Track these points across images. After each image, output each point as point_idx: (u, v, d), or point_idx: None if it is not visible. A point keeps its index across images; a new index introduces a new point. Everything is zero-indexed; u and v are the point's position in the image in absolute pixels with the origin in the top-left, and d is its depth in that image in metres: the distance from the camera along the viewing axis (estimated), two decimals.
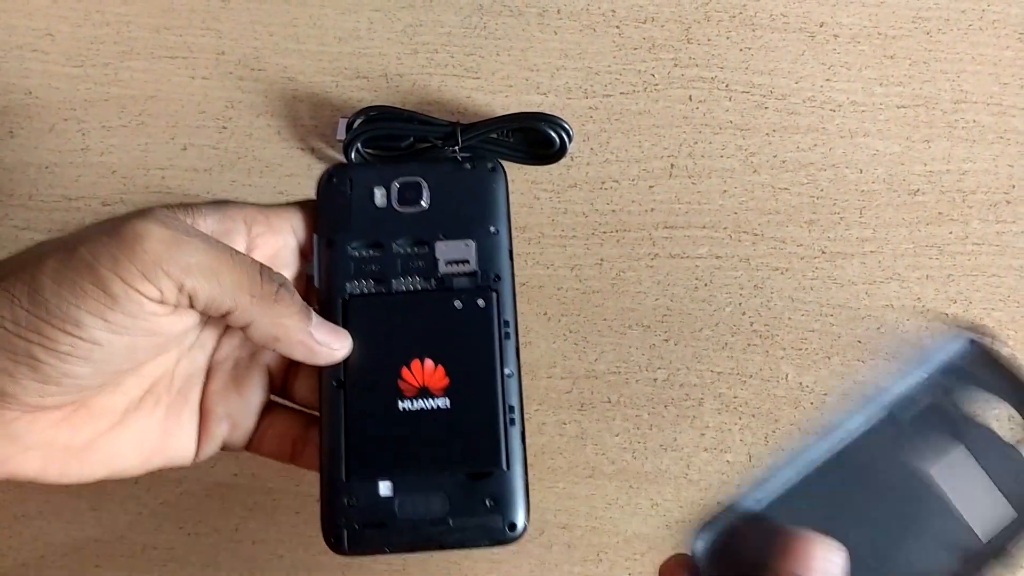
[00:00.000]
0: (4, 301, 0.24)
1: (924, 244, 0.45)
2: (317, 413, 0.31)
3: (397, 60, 0.49)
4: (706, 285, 0.45)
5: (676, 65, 0.48)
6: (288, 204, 0.31)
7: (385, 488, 0.29)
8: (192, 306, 0.26)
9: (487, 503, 0.29)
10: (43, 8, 0.50)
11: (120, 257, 0.24)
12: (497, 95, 0.48)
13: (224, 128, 0.48)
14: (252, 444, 0.31)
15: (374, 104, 0.48)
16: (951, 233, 0.45)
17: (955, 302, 0.44)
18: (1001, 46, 0.47)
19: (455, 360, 0.30)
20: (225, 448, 0.30)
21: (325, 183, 0.32)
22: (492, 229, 0.31)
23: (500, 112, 0.47)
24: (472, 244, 0.31)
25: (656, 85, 0.47)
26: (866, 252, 0.45)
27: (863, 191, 0.45)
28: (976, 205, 0.45)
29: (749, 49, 0.48)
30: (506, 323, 0.31)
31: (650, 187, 0.46)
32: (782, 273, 0.44)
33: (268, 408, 0.31)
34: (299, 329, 0.28)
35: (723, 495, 0.28)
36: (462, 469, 0.29)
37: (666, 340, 0.44)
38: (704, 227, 0.45)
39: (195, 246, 0.25)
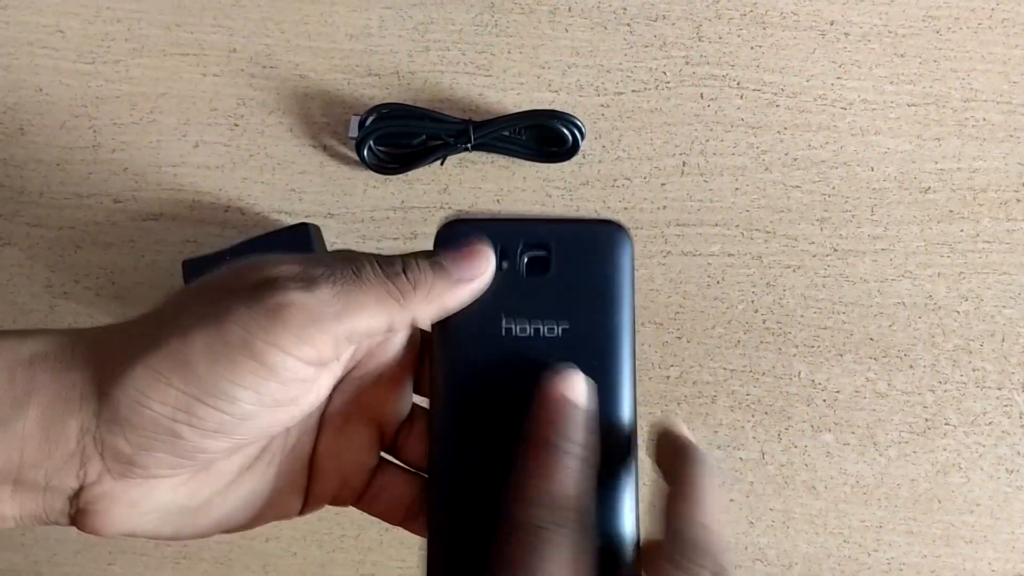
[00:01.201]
0: (153, 381, 0.24)
1: (935, 242, 0.45)
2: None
3: (408, 57, 0.49)
4: (718, 283, 0.45)
5: (687, 63, 0.48)
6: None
7: None
8: (350, 345, 0.26)
9: None
10: (54, 4, 0.50)
11: (271, 327, 0.24)
12: (509, 92, 0.48)
13: (236, 125, 0.48)
14: (362, 501, 0.30)
15: (386, 101, 0.48)
16: (962, 231, 0.45)
17: (966, 299, 0.44)
18: (1011, 45, 0.47)
19: None
20: (333, 503, 0.29)
21: (445, 233, 0.29)
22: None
23: (512, 109, 0.47)
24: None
25: (667, 83, 0.48)
26: (878, 250, 0.45)
27: (874, 189, 0.45)
28: (987, 203, 0.45)
29: (760, 47, 0.48)
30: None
31: (662, 185, 0.46)
32: (794, 271, 0.45)
33: (381, 466, 0.30)
34: (445, 295, 0.27)
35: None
36: None
37: (679, 337, 0.44)
38: (716, 225, 0.45)
39: (342, 297, 0.25)
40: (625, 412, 0.28)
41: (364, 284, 0.26)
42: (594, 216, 0.29)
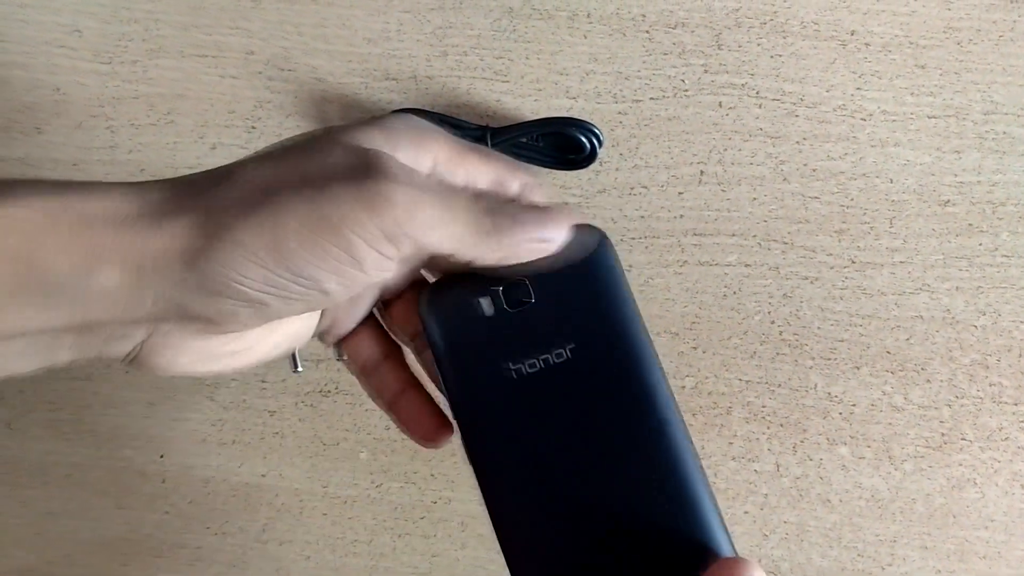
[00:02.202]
0: (244, 260, 0.24)
1: (954, 255, 0.45)
2: (400, 341, 0.31)
3: (426, 62, 0.49)
4: (735, 293, 0.45)
5: (706, 71, 0.48)
6: (474, 150, 0.30)
7: None
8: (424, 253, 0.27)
9: None
10: (71, 4, 0.50)
11: (367, 222, 0.24)
12: (526, 99, 0.48)
13: (253, 128, 0.48)
14: (342, 345, 0.31)
15: (404, 107, 0.48)
16: (981, 245, 0.45)
17: (984, 314, 0.44)
18: None
19: None
20: (321, 339, 0.31)
21: (427, 305, 0.29)
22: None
23: (529, 116, 0.47)
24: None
25: (686, 91, 0.47)
26: (896, 262, 0.45)
27: (893, 201, 0.45)
28: (1006, 217, 0.45)
29: (780, 56, 0.48)
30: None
31: (679, 193, 0.46)
32: (812, 282, 0.44)
33: (366, 322, 0.31)
34: (516, 248, 0.27)
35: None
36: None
37: (694, 348, 0.44)
38: (733, 235, 0.45)
39: (432, 203, 0.25)
40: (669, 406, 0.27)
41: (465, 207, 0.26)
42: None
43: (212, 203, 0.25)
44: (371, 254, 0.25)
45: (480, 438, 0.28)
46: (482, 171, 0.29)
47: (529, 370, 0.28)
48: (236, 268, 0.24)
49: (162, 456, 0.45)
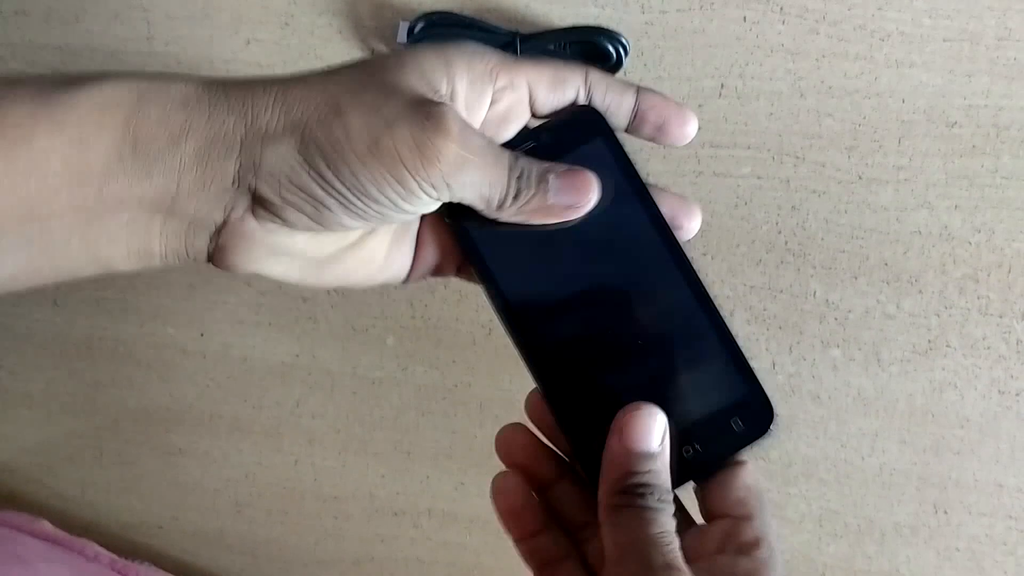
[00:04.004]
0: (313, 159, 0.27)
1: (956, 175, 0.47)
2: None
3: None
4: (746, 204, 0.47)
5: None
6: (525, 60, 0.33)
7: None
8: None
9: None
10: None
11: (421, 166, 0.28)
12: (555, 4, 0.49)
13: (287, 24, 0.49)
14: (462, 272, 0.34)
15: (435, 9, 0.49)
16: (982, 166, 0.47)
17: (979, 231, 0.47)
18: None
19: None
20: (435, 274, 0.34)
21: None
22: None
23: (557, 22, 0.49)
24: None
25: (712, 4, 0.49)
26: (900, 180, 0.47)
27: (903, 121, 0.47)
28: (1008, 141, 0.47)
29: None
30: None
31: (699, 105, 0.48)
32: (819, 196, 0.47)
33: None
34: (533, 213, 0.31)
35: None
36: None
37: (704, 254, 0.47)
38: (749, 148, 0.47)
39: (477, 165, 0.29)
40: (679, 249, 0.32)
41: (501, 171, 0.30)
42: (559, 113, 0.33)
43: (288, 99, 0.28)
44: (417, 190, 0.28)
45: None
46: (538, 75, 0.31)
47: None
48: (306, 163, 0.28)
49: (202, 334, 0.49)
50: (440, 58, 0.30)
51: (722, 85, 0.48)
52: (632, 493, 0.28)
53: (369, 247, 0.32)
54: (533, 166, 0.31)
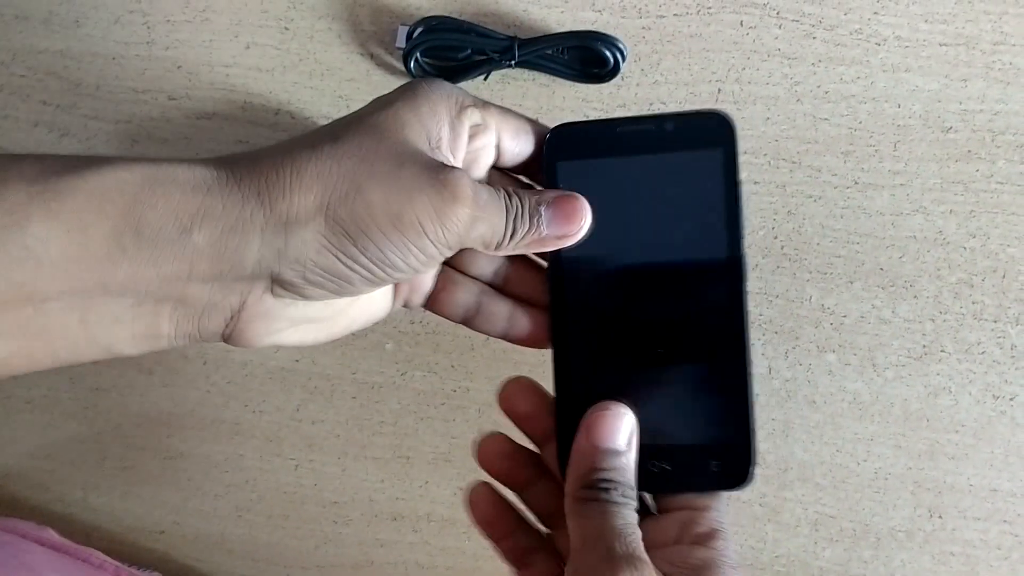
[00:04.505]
0: (340, 237, 0.28)
1: (951, 180, 0.47)
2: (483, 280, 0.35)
3: None
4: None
5: None
6: (492, 105, 0.34)
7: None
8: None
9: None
10: None
11: (440, 231, 0.29)
12: (552, 10, 0.49)
13: (286, 29, 0.50)
14: (428, 303, 0.35)
15: (432, 13, 0.49)
16: (977, 171, 0.47)
17: (974, 236, 0.47)
18: None
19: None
20: (406, 307, 0.35)
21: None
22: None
23: (555, 27, 0.49)
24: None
25: (709, 8, 0.49)
26: (896, 185, 0.47)
27: (899, 125, 0.47)
28: (1004, 145, 0.47)
29: None
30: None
31: None
32: (815, 201, 0.47)
33: (444, 274, 0.35)
34: (529, 247, 0.32)
35: None
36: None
37: None
38: (745, 152, 0.48)
39: (484, 221, 0.30)
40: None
41: (499, 218, 0.31)
42: (689, 110, 0.33)
43: (305, 180, 0.28)
44: (436, 254, 0.30)
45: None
46: (503, 120, 0.33)
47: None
48: (332, 242, 0.28)
49: None
50: (431, 109, 0.31)
51: (719, 90, 0.48)
52: (596, 487, 0.30)
53: (371, 296, 0.33)
54: (525, 202, 0.31)
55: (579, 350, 0.33)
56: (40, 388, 0.50)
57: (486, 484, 0.34)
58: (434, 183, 0.29)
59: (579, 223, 0.32)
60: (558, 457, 0.33)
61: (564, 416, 0.33)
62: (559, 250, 0.33)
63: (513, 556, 0.34)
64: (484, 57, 0.48)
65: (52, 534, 0.44)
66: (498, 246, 0.31)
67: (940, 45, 0.48)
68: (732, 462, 0.32)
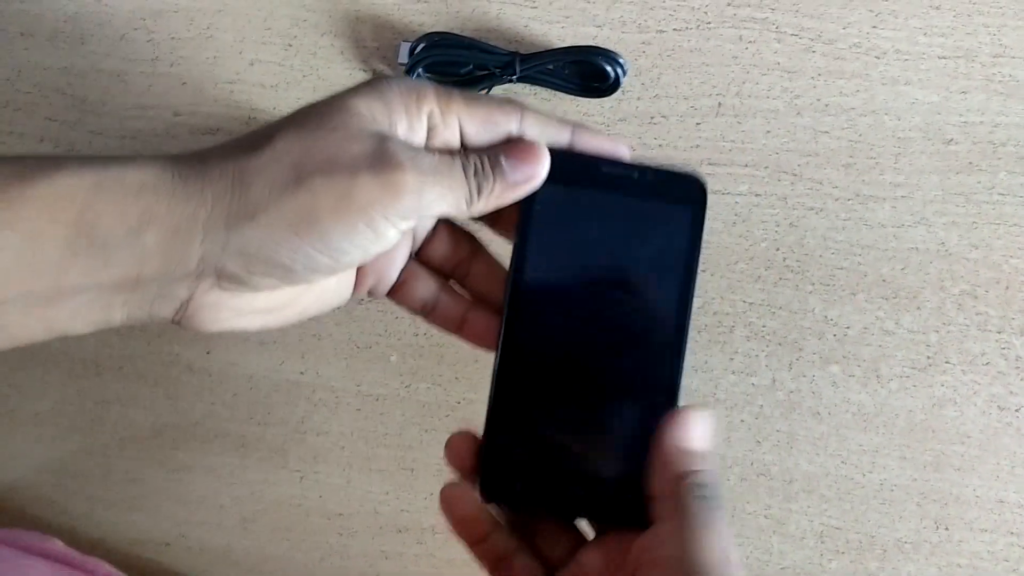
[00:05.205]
0: (285, 232, 0.29)
1: (953, 192, 0.47)
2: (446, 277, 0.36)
3: None
4: (744, 221, 0.48)
5: (729, 4, 0.49)
6: (460, 97, 0.33)
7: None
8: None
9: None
10: None
11: (389, 205, 0.29)
12: (554, 25, 0.50)
13: (290, 46, 0.50)
14: (392, 293, 0.35)
15: (435, 30, 0.50)
16: (979, 183, 0.47)
17: (976, 248, 0.47)
18: None
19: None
20: (370, 295, 0.35)
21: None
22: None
23: (556, 42, 0.49)
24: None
25: (709, 23, 0.49)
26: (897, 197, 0.47)
27: (899, 138, 0.48)
28: (1005, 157, 0.47)
29: None
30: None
31: (697, 124, 0.48)
32: (817, 213, 0.47)
33: (408, 267, 0.35)
34: (501, 197, 0.32)
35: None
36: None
37: (703, 271, 0.47)
38: (746, 166, 0.48)
39: (434, 183, 0.30)
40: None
41: (453, 179, 0.31)
42: (671, 166, 0.34)
43: (247, 175, 0.29)
44: (390, 228, 0.30)
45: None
46: (469, 114, 0.32)
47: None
48: (276, 238, 0.29)
49: (208, 352, 0.49)
50: (379, 99, 0.31)
51: (719, 104, 0.49)
52: (699, 489, 0.30)
53: (323, 284, 0.33)
54: (484, 157, 0.32)
55: (520, 362, 0.33)
56: (46, 401, 0.50)
57: (460, 484, 0.34)
58: (371, 160, 0.29)
59: (540, 160, 0.32)
60: (479, 466, 0.33)
61: (493, 420, 0.33)
62: (519, 263, 0.33)
63: (489, 559, 0.33)
64: (486, 72, 0.48)
65: (58, 544, 0.44)
66: (469, 204, 0.31)
67: (939, 58, 0.48)
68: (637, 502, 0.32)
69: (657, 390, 0.33)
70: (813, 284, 0.47)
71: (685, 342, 0.33)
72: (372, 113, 0.30)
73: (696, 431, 0.31)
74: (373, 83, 0.31)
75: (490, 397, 0.34)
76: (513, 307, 0.33)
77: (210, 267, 0.29)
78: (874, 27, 0.49)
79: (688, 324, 0.33)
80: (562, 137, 0.33)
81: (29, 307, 0.28)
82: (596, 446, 0.33)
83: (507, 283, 0.34)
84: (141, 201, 0.28)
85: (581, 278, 0.33)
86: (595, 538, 0.34)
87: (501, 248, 0.35)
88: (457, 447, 0.34)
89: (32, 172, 0.28)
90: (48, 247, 0.27)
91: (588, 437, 0.33)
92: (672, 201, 0.34)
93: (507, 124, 0.32)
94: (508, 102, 0.33)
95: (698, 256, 0.33)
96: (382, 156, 0.29)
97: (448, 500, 0.34)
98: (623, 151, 0.34)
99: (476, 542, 0.33)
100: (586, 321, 0.33)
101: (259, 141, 0.30)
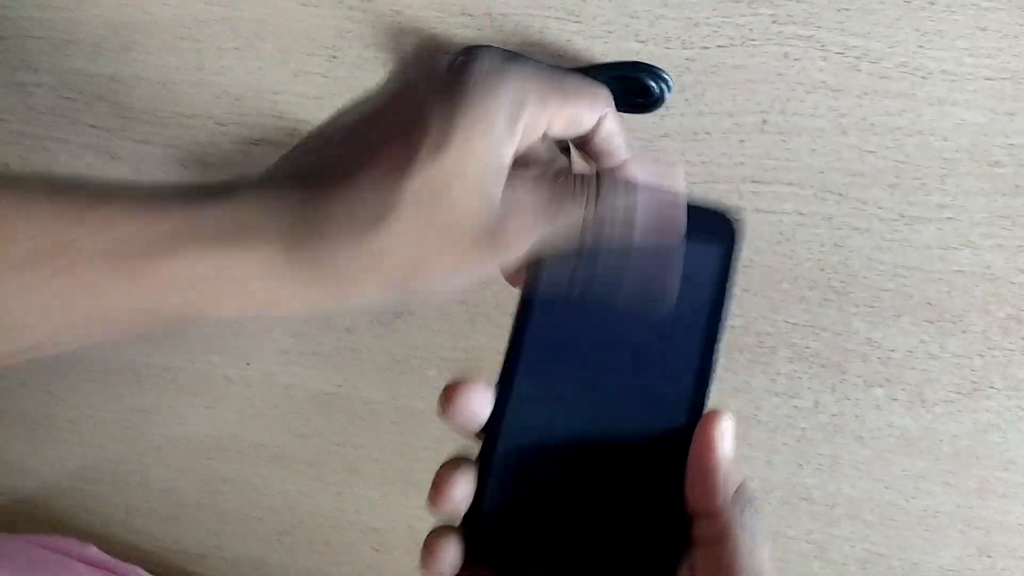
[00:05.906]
0: (384, 300, 0.30)
1: (999, 214, 0.47)
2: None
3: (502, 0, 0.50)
4: (788, 240, 0.47)
5: (774, 22, 0.49)
6: (555, 96, 0.33)
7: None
8: None
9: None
10: None
11: (492, 268, 0.31)
12: (596, 40, 0.50)
13: (334, 57, 0.50)
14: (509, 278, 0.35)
15: (478, 44, 0.49)
16: None
17: (1022, 271, 0.46)
18: None
19: None
20: None
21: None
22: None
23: (599, 57, 0.49)
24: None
25: (754, 40, 0.49)
26: (943, 218, 0.47)
27: (946, 159, 0.47)
28: None
29: (847, 10, 0.49)
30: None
31: (741, 141, 0.48)
32: (862, 233, 0.47)
33: None
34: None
35: None
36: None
37: (745, 290, 0.47)
38: (791, 184, 0.48)
39: (531, 244, 0.30)
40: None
41: (544, 237, 0.30)
42: (704, 202, 0.31)
43: (369, 262, 0.29)
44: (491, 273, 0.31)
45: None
46: (559, 115, 0.32)
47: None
48: (386, 298, 0.30)
49: (248, 364, 0.49)
50: (484, 141, 0.29)
51: (764, 121, 0.48)
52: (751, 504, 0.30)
53: None
54: (619, 199, 0.30)
55: (521, 425, 0.32)
56: (82, 408, 0.51)
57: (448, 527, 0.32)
58: (481, 237, 0.29)
59: (677, 228, 0.30)
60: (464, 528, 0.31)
61: (489, 446, 0.32)
62: (529, 302, 0.31)
63: None
64: None
65: (94, 551, 0.44)
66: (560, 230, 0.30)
67: (986, 79, 0.48)
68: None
69: (667, 454, 0.30)
70: (857, 306, 0.47)
71: (705, 403, 0.30)
72: (476, 156, 0.29)
73: (730, 438, 0.30)
74: (467, 114, 0.29)
75: (482, 454, 0.32)
76: (515, 356, 0.31)
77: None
78: (920, 47, 0.48)
79: (709, 384, 0.30)
80: (624, 156, 0.33)
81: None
82: (597, 515, 0.30)
83: (512, 325, 0.32)
84: (249, 290, 0.29)
85: (593, 324, 0.31)
86: None
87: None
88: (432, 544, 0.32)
89: (156, 248, 0.28)
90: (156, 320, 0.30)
91: (588, 506, 0.30)
92: (700, 240, 0.31)
93: (590, 122, 0.32)
94: (596, 96, 0.32)
95: (726, 303, 0.30)
96: (493, 235, 0.29)
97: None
98: (678, 180, 0.33)
99: None
100: (595, 376, 0.30)
101: (378, 220, 0.29)
